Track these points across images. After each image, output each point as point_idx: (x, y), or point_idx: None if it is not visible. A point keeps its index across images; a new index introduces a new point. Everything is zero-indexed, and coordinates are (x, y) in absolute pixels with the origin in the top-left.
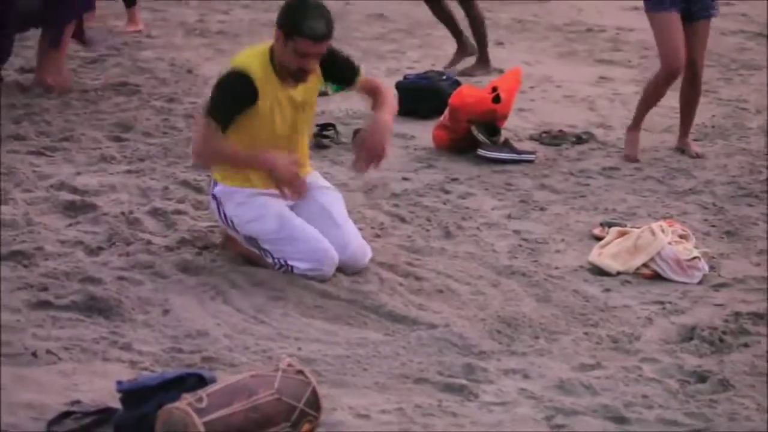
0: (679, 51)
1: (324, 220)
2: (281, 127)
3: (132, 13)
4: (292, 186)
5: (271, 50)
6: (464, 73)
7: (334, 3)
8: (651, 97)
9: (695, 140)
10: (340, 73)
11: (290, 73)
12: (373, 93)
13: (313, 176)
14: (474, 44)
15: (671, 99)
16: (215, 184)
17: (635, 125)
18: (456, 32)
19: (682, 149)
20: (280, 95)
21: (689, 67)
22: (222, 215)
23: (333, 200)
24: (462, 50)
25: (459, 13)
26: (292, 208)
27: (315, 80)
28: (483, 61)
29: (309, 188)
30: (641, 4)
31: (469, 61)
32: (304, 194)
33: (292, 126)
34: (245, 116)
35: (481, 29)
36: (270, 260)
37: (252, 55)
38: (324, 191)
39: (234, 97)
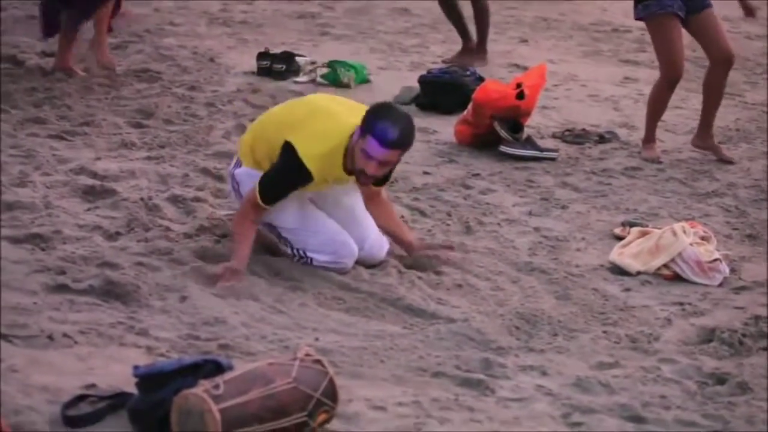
0: (679, 56)
1: (343, 213)
2: (326, 190)
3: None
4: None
5: (348, 142)
6: (460, 64)
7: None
8: (657, 106)
9: (719, 143)
10: (383, 180)
11: (354, 171)
12: (386, 208)
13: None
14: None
15: (694, 101)
16: (238, 164)
17: (649, 138)
18: (463, 32)
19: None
20: (336, 177)
21: (721, 57)
22: (240, 197)
23: (354, 195)
24: (466, 49)
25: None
26: (311, 199)
27: None
28: (481, 53)
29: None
30: None
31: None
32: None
33: (334, 189)
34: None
35: (484, 20)
36: (289, 251)
37: (329, 138)
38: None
39: (289, 185)
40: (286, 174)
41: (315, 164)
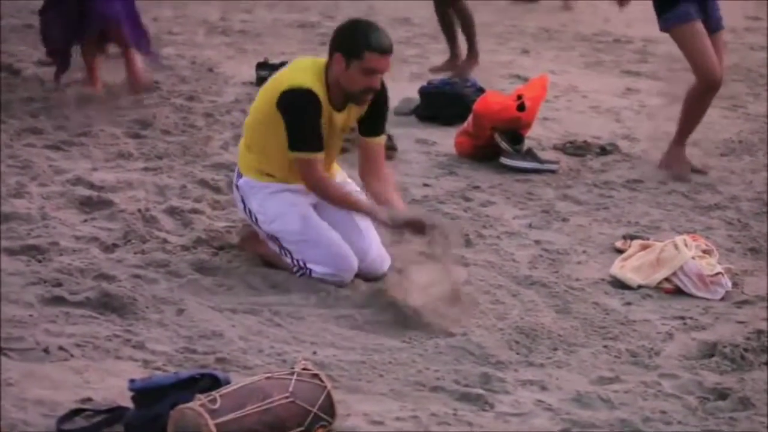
0: (714, 60)
1: (346, 225)
2: (330, 149)
3: None
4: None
5: (326, 71)
6: (459, 71)
7: (358, 5)
8: (696, 112)
9: (721, 155)
10: (378, 119)
11: (353, 96)
12: (383, 177)
13: (341, 176)
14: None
15: None
16: (240, 175)
17: (681, 141)
18: (452, 41)
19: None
20: (330, 116)
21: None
22: (246, 210)
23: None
24: (453, 59)
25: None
26: (315, 208)
27: (360, 110)
28: (472, 58)
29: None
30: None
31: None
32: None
33: (327, 148)
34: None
35: (469, 27)
36: (289, 260)
37: (308, 71)
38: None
39: (313, 117)
40: (301, 113)
41: (314, 85)
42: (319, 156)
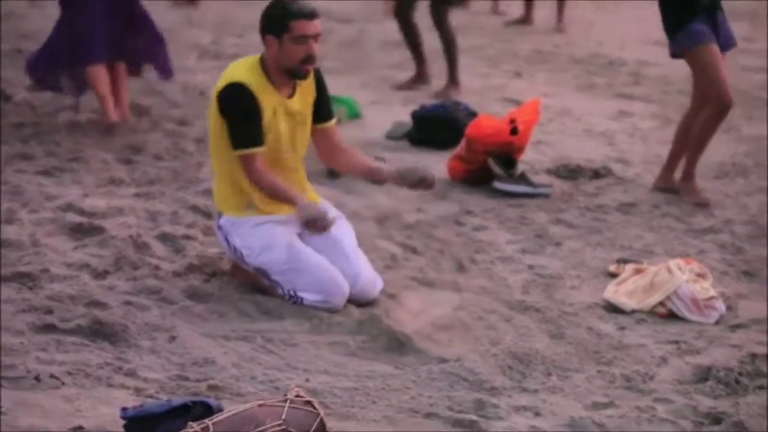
0: (727, 83)
1: (334, 251)
2: (284, 140)
3: None
4: (314, 224)
5: (261, 60)
6: (438, 95)
7: (349, 29)
8: (705, 138)
9: (715, 178)
10: (326, 103)
11: (295, 70)
12: (347, 150)
13: (325, 205)
14: (430, 76)
15: None
16: (220, 215)
17: (691, 174)
18: (419, 57)
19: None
20: (278, 105)
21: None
22: (231, 247)
23: (343, 230)
24: (419, 77)
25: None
26: (301, 237)
27: (310, 92)
28: (453, 83)
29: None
30: (664, 38)
31: (430, 86)
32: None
33: (292, 140)
34: None
35: (452, 50)
36: (280, 291)
37: (240, 67)
38: (336, 222)
39: (247, 110)
40: (234, 107)
41: (245, 78)
42: (259, 150)
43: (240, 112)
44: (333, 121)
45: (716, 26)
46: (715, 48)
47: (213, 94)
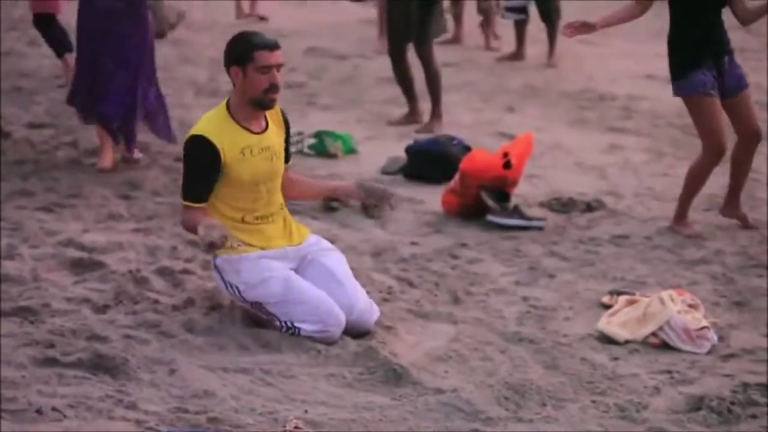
0: (723, 133)
1: (329, 282)
2: (263, 174)
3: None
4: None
5: (227, 105)
6: (420, 130)
7: (344, 65)
8: (697, 183)
9: (705, 210)
10: (288, 144)
11: (260, 99)
12: (302, 179)
13: (316, 239)
14: (421, 113)
15: (682, 168)
16: (214, 257)
17: (683, 216)
18: (410, 95)
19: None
20: (250, 144)
21: (752, 137)
22: (227, 285)
23: (337, 262)
24: (412, 114)
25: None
26: (296, 270)
27: (281, 127)
28: (436, 117)
29: (312, 252)
30: (654, 72)
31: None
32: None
33: (271, 173)
34: (224, 174)
35: (435, 85)
36: (277, 323)
37: (205, 119)
38: (328, 254)
39: (200, 166)
40: (190, 161)
41: (206, 129)
42: (199, 206)
43: (194, 167)
44: (290, 163)
45: (723, 72)
46: (714, 100)
47: None
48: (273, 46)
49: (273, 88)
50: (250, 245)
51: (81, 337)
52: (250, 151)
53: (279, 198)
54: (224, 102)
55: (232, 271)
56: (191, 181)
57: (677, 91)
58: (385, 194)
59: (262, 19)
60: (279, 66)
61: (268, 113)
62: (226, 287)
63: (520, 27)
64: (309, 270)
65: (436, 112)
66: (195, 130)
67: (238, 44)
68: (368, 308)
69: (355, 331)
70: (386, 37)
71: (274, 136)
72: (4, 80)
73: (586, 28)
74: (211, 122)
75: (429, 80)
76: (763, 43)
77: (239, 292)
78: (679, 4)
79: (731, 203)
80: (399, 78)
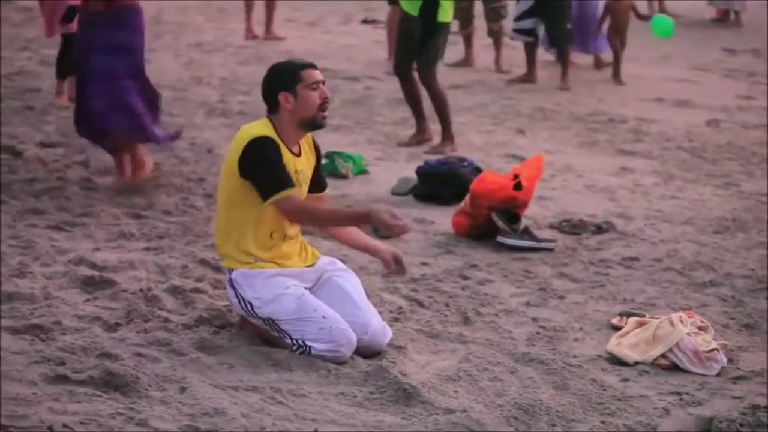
0: None
1: (343, 302)
2: None
3: (60, 86)
4: (391, 225)
5: (270, 121)
6: (431, 152)
7: (355, 86)
8: None
9: (715, 233)
10: (322, 171)
11: (315, 117)
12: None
13: (330, 260)
14: (430, 133)
15: (691, 191)
16: (230, 271)
17: None
18: (418, 112)
19: None
20: (288, 161)
21: None
22: (240, 300)
23: (351, 282)
24: (419, 133)
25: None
26: (311, 290)
27: (312, 155)
28: (447, 139)
29: (327, 272)
30: (663, 95)
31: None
32: (406, 230)
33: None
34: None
35: (442, 108)
36: (288, 341)
37: (255, 127)
38: (342, 274)
39: (275, 157)
40: (263, 158)
41: (265, 132)
42: (295, 191)
43: (269, 161)
44: (326, 191)
45: None
46: None
47: (232, 156)
48: (314, 65)
49: (325, 102)
50: (267, 262)
51: (92, 355)
52: (294, 171)
53: (300, 236)
54: (266, 119)
55: (247, 286)
56: (275, 172)
57: None
58: (402, 230)
59: (280, 39)
60: (324, 82)
61: (301, 140)
62: (239, 302)
63: (530, 50)
64: (323, 290)
65: (446, 135)
66: (255, 134)
67: (282, 70)
68: (381, 330)
69: (368, 352)
70: (393, 54)
71: (306, 162)
72: (15, 99)
73: None
74: (263, 130)
75: (434, 104)
76: None
77: (252, 307)
78: None
79: None
80: (405, 95)
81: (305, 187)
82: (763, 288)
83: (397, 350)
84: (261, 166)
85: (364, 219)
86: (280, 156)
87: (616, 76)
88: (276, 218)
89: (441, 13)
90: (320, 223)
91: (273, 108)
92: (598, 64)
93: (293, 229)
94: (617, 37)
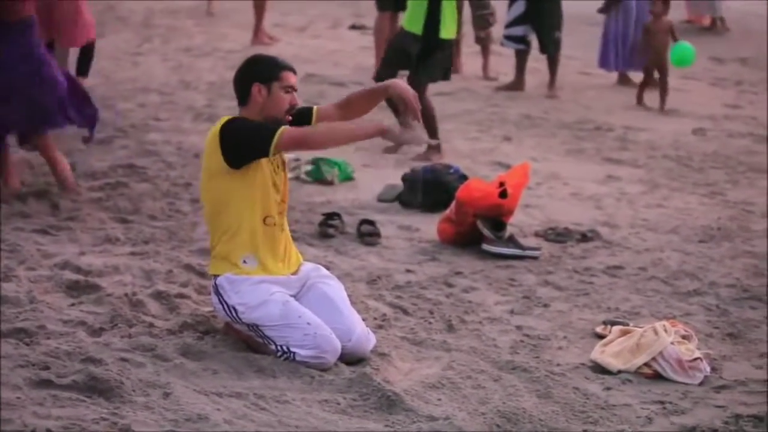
0: None
1: (327, 309)
2: (277, 187)
3: None
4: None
5: (241, 113)
6: (417, 159)
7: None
8: None
9: (700, 242)
10: (304, 117)
11: (279, 119)
12: (342, 102)
13: (314, 266)
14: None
15: (677, 200)
16: (215, 277)
17: None
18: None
19: None
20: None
21: None
22: (225, 306)
23: (335, 289)
24: (433, 149)
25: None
26: (295, 297)
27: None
28: (434, 148)
29: (311, 279)
30: (650, 103)
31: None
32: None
33: (273, 181)
34: (251, 169)
35: (428, 119)
36: (272, 347)
37: (229, 116)
38: (327, 281)
39: (251, 122)
40: (241, 125)
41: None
42: (284, 127)
43: (248, 126)
44: (315, 108)
45: None
46: None
47: (210, 152)
48: (294, 70)
49: (292, 108)
50: (258, 262)
51: (76, 360)
52: (270, 163)
53: (286, 233)
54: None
55: (232, 292)
56: (258, 127)
57: None
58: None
59: (267, 44)
60: (296, 90)
61: None
62: (224, 308)
63: (521, 57)
64: (308, 296)
65: (432, 145)
66: (222, 121)
67: (264, 62)
68: (365, 336)
69: (352, 358)
70: (379, 61)
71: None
72: None
73: None
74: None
75: (422, 116)
76: (761, 77)
77: (237, 313)
78: None
79: None
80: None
81: (282, 172)
82: (748, 297)
83: (381, 357)
84: (243, 132)
85: (378, 133)
86: (254, 121)
87: (640, 99)
88: (266, 202)
89: (443, 30)
90: (326, 141)
91: (243, 99)
92: (624, 80)
93: (280, 218)
94: (656, 61)
